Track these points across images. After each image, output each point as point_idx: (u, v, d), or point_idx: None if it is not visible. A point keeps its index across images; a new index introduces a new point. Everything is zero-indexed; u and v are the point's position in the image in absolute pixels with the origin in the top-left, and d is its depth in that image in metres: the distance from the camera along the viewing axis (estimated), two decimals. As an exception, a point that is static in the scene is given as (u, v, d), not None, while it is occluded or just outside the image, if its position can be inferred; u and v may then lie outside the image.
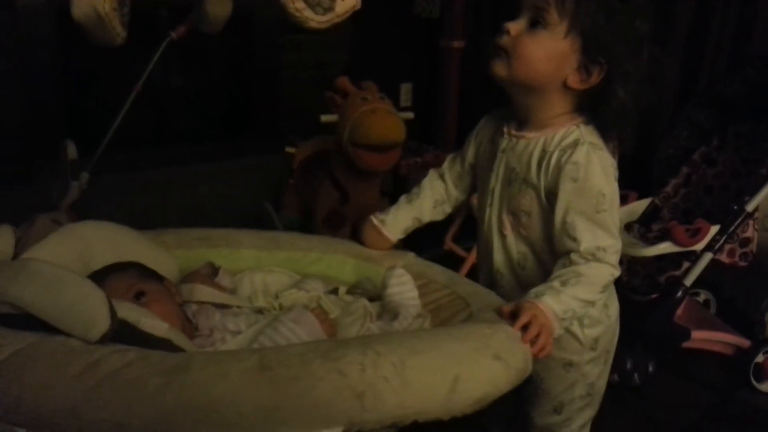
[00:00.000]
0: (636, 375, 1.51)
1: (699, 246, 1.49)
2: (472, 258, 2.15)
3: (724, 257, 1.51)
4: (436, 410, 0.75)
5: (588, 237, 0.91)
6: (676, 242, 1.47)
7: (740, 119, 1.63)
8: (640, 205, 1.72)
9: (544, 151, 0.96)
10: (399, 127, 1.90)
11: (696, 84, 2.07)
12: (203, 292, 0.96)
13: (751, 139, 1.63)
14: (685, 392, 1.58)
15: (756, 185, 1.47)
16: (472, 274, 1.27)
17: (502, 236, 1.04)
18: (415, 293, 1.04)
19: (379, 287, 1.14)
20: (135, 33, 1.82)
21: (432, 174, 1.18)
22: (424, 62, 3.30)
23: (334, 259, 1.18)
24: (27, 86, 2.29)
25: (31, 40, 2.25)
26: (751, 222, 1.51)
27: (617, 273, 0.94)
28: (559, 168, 0.93)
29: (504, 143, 1.02)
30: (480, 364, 0.80)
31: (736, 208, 1.48)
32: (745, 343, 1.60)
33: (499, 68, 0.95)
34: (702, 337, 1.57)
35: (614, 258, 0.93)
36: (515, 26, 0.94)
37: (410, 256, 1.17)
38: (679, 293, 1.50)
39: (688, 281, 1.50)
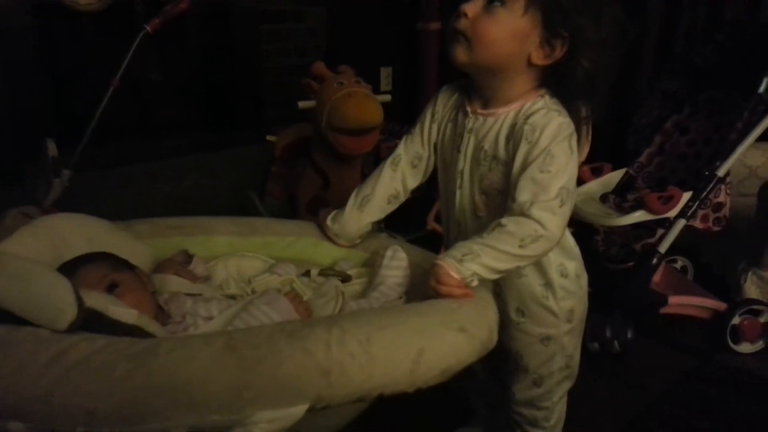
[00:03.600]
0: (615, 342, 1.54)
1: (672, 213, 1.51)
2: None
3: (697, 223, 1.53)
4: (401, 383, 0.77)
5: (524, 194, 0.89)
6: (649, 210, 1.49)
7: (712, 87, 1.64)
8: (615, 176, 1.74)
9: (512, 126, 0.95)
10: (376, 109, 1.91)
11: (670, 55, 2.08)
12: (175, 282, 0.98)
13: (723, 106, 1.65)
14: (664, 357, 1.61)
15: (726, 150, 1.49)
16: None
17: (477, 218, 1.02)
18: (403, 278, 1.04)
19: (359, 266, 1.16)
20: (114, 27, 1.81)
21: (386, 166, 1.12)
22: (403, 46, 3.30)
23: (308, 242, 1.19)
24: (9, 85, 2.28)
25: (8, 37, 2.24)
26: (723, 187, 1.53)
27: (546, 233, 0.88)
28: (520, 132, 0.92)
29: (470, 123, 1.00)
30: (444, 337, 0.81)
31: (707, 173, 1.50)
32: (721, 306, 1.62)
33: (460, 53, 0.94)
34: (679, 302, 1.59)
35: (545, 217, 0.87)
36: (471, 7, 0.92)
37: (383, 237, 1.18)
38: (654, 260, 1.52)
39: (663, 248, 1.53)
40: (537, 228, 0.88)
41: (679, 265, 1.88)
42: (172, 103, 2.95)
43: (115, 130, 2.42)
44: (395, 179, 1.12)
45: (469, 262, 0.88)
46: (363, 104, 1.88)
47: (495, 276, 0.91)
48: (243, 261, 1.12)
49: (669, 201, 1.49)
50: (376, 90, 3.27)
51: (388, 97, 2.07)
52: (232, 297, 1.01)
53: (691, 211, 1.50)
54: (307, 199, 2.07)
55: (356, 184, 2.12)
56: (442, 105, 1.08)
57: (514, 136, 0.94)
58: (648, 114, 1.74)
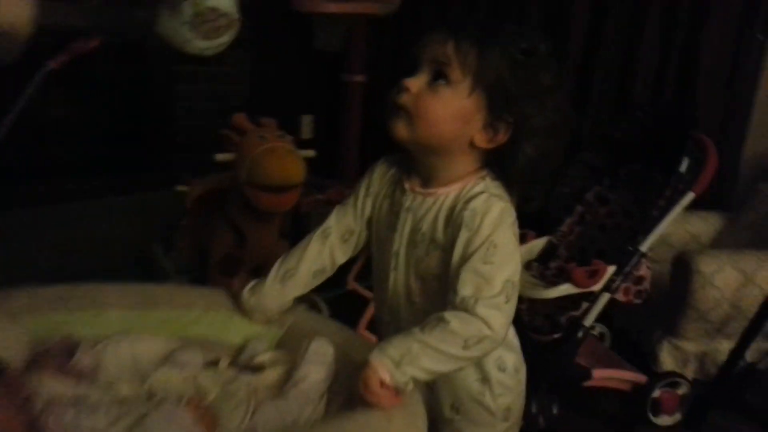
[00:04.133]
0: (541, 419, 1.50)
1: (597, 287, 1.51)
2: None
3: (620, 296, 1.54)
4: None
5: (467, 288, 0.82)
6: (575, 284, 1.48)
7: (631, 161, 1.68)
8: (537, 244, 1.74)
9: (451, 209, 0.89)
10: (299, 166, 1.83)
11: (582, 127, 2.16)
12: (53, 384, 0.83)
13: (642, 180, 1.69)
14: (588, 431, 1.59)
15: (649, 226, 1.52)
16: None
17: (411, 303, 0.95)
18: (327, 374, 0.94)
19: (273, 347, 1.05)
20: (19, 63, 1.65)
21: (314, 239, 1.03)
22: (325, 95, 3.26)
23: (218, 317, 1.07)
24: None
25: None
26: (644, 261, 1.55)
27: (492, 334, 0.81)
28: (460, 218, 0.87)
29: (408, 201, 0.93)
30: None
31: (630, 248, 1.52)
32: (642, 378, 1.63)
33: (400, 129, 0.89)
34: (602, 376, 1.59)
35: (491, 315, 0.81)
36: (415, 83, 0.87)
37: (301, 311, 1.08)
38: (580, 334, 1.51)
39: (588, 321, 1.52)
40: (482, 327, 0.81)
41: (596, 331, 1.89)
42: (72, 142, 2.73)
43: (6, 170, 2.20)
44: (323, 253, 1.03)
45: (407, 365, 0.80)
46: (285, 160, 1.80)
47: (431, 378, 0.86)
48: (138, 345, 0.96)
49: (594, 275, 1.49)
50: (297, 138, 3.24)
51: (311, 152, 1.99)
52: (124, 401, 0.86)
53: (615, 285, 1.51)
54: (220, 257, 1.94)
55: (274, 243, 2.05)
56: (379, 178, 1.01)
57: (453, 221, 0.88)
58: (570, 184, 1.76)
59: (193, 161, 2.54)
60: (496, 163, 0.91)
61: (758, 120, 2.45)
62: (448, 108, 0.86)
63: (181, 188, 2.17)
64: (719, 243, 2.11)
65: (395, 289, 0.96)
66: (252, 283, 1.05)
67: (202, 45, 1.89)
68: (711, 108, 2.41)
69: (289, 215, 1.98)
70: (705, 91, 2.40)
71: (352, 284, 2.18)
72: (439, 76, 0.87)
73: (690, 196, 1.52)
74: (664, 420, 1.61)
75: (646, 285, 1.57)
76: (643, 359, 1.86)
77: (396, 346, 0.82)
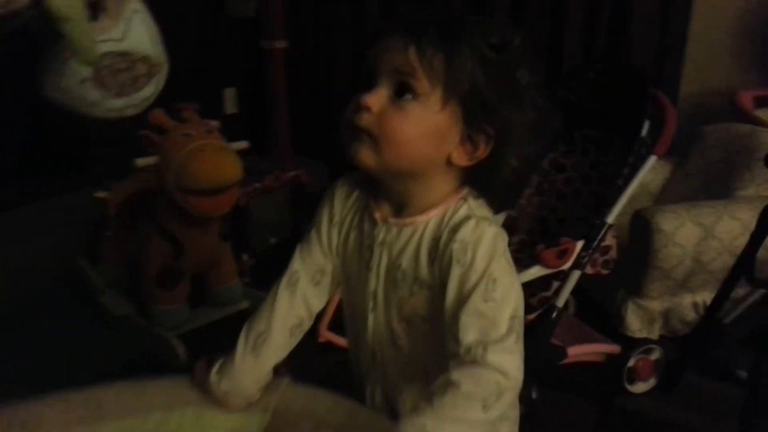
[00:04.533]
0: (521, 405, 1.44)
1: (567, 265, 1.44)
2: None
3: (588, 269, 1.49)
4: None
5: (470, 334, 0.70)
6: (545, 265, 1.42)
7: (586, 125, 1.60)
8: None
9: (435, 240, 0.77)
10: (234, 164, 1.66)
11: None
12: None
13: (598, 144, 1.62)
14: (570, 409, 1.56)
15: (614, 196, 1.45)
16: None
17: (397, 348, 0.83)
18: None
19: None
20: None
21: (280, 290, 0.87)
22: (246, 65, 3.03)
23: (184, 416, 0.86)
24: None
25: None
26: (610, 230, 1.49)
27: (510, 383, 0.70)
28: (448, 251, 0.75)
29: (381, 234, 0.81)
30: None
31: (598, 222, 1.45)
32: (615, 349, 1.61)
33: (365, 156, 0.74)
34: (577, 353, 1.55)
35: (503, 360, 0.69)
36: (376, 100, 0.73)
37: (286, 385, 0.89)
38: (554, 315, 1.45)
39: (560, 302, 1.46)
40: (498, 379, 0.69)
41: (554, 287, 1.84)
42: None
43: None
44: (296, 304, 0.87)
45: None
46: (218, 160, 1.62)
47: None
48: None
49: (564, 254, 1.42)
50: (221, 113, 3.01)
51: (244, 144, 1.81)
52: None
53: (585, 261, 1.45)
54: (156, 270, 1.76)
55: (215, 247, 1.86)
56: (341, 205, 0.87)
57: (440, 256, 0.76)
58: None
59: (111, 155, 2.29)
60: (476, 178, 0.79)
61: (691, 58, 2.42)
62: (419, 126, 0.73)
63: (100, 195, 1.95)
64: (669, 191, 2.09)
65: (376, 333, 0.84)
66: (218, 363, 0.86)
67: (117, 104, 1.48)
68: (645, 49, 2.36)
69: (228, 215, 1.82)
70: (638, 32, 2.35)
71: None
72: (403, 89, 0.73)
73: (652, 159, 1.46)
74: (639, 387, 1.60)
75: (612, 254, 1.52)
76: (608, 321, 1.84)
77: (407, 424, 0.69)
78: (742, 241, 1.68)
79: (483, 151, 0.76)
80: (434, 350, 0.79)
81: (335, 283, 0.89)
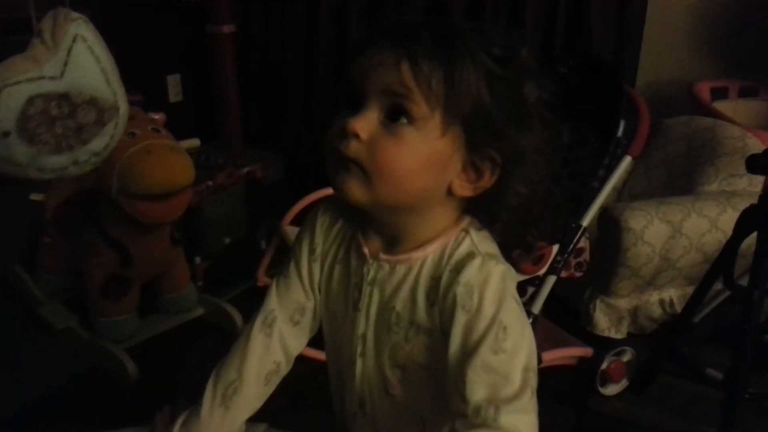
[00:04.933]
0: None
1: (542, 270, 1.39)
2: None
3: (562, 273, 1.44)
4: None
5: (479, 391, 0.62)
6: (521, 272, 1.36)
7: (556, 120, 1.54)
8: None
9: (433, 280, 0.68)
10: (185, 166, 1.53)
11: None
12: None
13: (569, 141, 1.56)
14: (547, 414, 1.51)
15: (589, 198, 1.41)
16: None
17: (390, 396, 0.75)
18: None
19: None
20: None
21: (254, 331, 0.76)
22: (191, 50, 2.85)
23: None
24: None
25: None
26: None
27: None
28: (451, 295, 0.66)
29: (371, 271, 0.71)
30: None
31: (573, 225, 1.41)
32: (588, 352, 1.58)
33: (354, 190, 0.64)
34: (551, 357, 1.52)
35: (517, 421, 0.61)
36: (365, 125, 0.63)
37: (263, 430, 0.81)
38: (530, 322, 1.40)
39: (536, 308, 1.42)
40: None
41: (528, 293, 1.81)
42: None
43: None
44: (272, 348, 0.77)
45: None
46: (167, 161, 1.49)
47: None
48: None
49: (540, 260, 1.37)
50: (165, 101, 2.84)
51: (196, 142, 1.69)
52: None
53: (560, 266, 1.40)
54: (102, 279, 1.63)
55: (166, 255, 1.73)
56: (323, 236, 0.77)
57: (441, 299, 0.67)
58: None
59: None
60: (479, 207, 0.69)
61: (647, 48, 2.41)
62: (417, 155, 0.63)
63: (36, 197, 1.80)
64: (632, 185, 2.08)
65: (365, 379, 0.75)
66: (182, 416, 0.76)
67: (54, 163, 1.14)
68: (604, 38, 2.34)
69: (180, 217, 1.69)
70: (597, 20, 2.32)
71: (264, 279, 1.95)
72: (397, 112, 0.63)
73: (627, 160, 1.42)
74: (611, 389, 1.58)
75: (585, 256, 1.49)
76: (575, 318, 1.81)
77: None
78: (709, 238, 1.69)
79: (488, 180, 0.66)
80: (432, 398, 0.71)
81: (316, 321, 0.80)
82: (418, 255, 0.69)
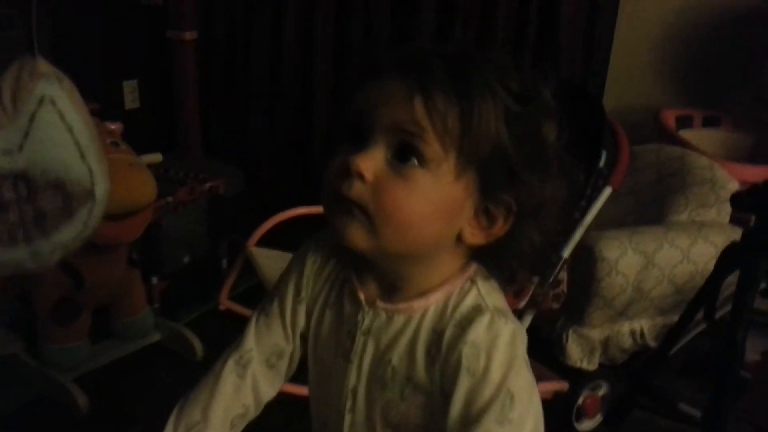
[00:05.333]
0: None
1: (522, 304, 1.36)
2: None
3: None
4: None
5: None
6: (501, 305, 1.32)
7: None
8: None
9: (435, 334, 0.62)
10: (146, 183, 1.44)
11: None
12: None
13: (547, 159, 1.54)
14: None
15: (570, 229, 1.38)
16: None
17: None
18: None
19: None
20: None
21: (225, 370, 0.70)
22: (150, 56, 2.74)
23: None
24: None
25: None
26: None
27: None
28: (456, 354, 0.60)
29: (366, 320, 0.65)
30: None
31: (554, 257, 1.37)
32: (563, 386, 1.55)
33: (356, 237, 0.58)
34: (527, 391, 1.47)
35: None
36: (370, 164, 0.57)
37: None
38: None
39: (515, 342, 1.37)
40: None
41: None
42: None
43: None
44: (243, 390, 0.71)
45: None
46: (127, 179, 1.39)
47: None
48: None
49: (520, 293, 1.34)
50: (121, 107, 2.70)
51: (158, 157, 1.59)
52: None
53: (540, 299, 1.37)
54: (50, 304, 1.51)
55: (122, 278, 1.62)
56: (313, 278, 0.71)
57: (442, 355, 0.61)
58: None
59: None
60: (487, 254, 0.64)
61: (613, 75, 2.43)
62: (428, 201, 0.58)
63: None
64: (601, 212, 2.07)
65: None
66: None
67: (9, 256, 0.95)
68: (571, 59, 2.35)
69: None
70: (566, 43, 2.32)
71: (226, 303, 1.85)
72: (406, 151, 0.57)
73: (607, 191, 1.40)
74: (586, 425, 1.55)
75: (563, 287, 1.47)
76: (545, 347, 1.79)
77: None
78: (681, 269, 1.69)
79: (501, 228, 0.61)
80: None
81: (292, 368, 0.74)
82: (419, 304, 0.63)
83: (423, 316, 0.63)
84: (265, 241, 1.90)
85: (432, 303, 0.63)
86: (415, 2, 2.38)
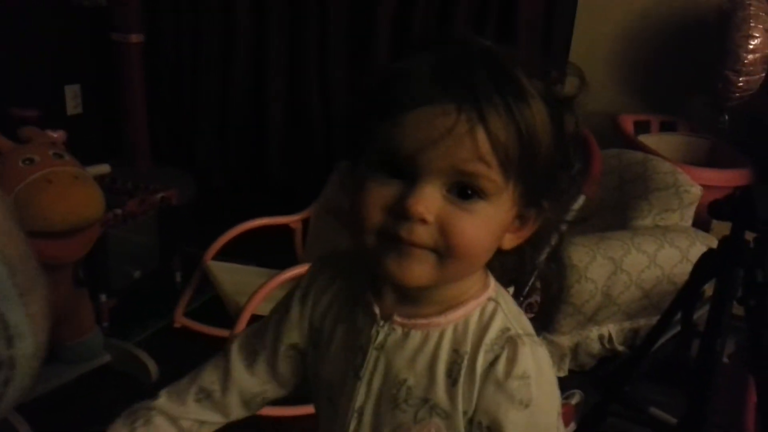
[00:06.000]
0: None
1: (497, 315, 1.31)
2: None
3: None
4: None
5: None
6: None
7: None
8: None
9: (455, 352, 0.57)
10: (93, 198, 1.33)
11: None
12: None
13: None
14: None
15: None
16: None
17: None
18: None
19: None
20: None
21: (189, 397, 0.66)
22: (94, 59, 2.59)
23: None
24: None
25: None
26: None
27: None
28: (492, 382, 0.56)
29: (380, 334, 0.60)
30: None
31: (530, 267, 1.33)
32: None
33: (420, 276, 0.54)
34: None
35: None
36: (431, 206, 0.51)
37: None
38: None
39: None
40: None
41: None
42: None
43: None
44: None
45: None
46: (72, 193, 1.29)
47: None
48: None
49: (496, 304, 1.29)
50: (63, 113, 2.55)
51: (105, 168, 1.48)
52: None
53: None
54: (-12, 328, 1.37)
55: (67, 299, 1.49)
56: (325, 286, 0.65)
57: (471, 380, 0.56)
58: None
59: None
60: (512, 264, 0.60)
61: (572, 80, 2.44)
62: (493, 230, 0.54)
63: None
64: (566, 216, 2.07)
65: None
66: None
67: None
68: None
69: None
70: (524, 46, 2.32)
71: (181, 320, 1.75)
72: (467, 188, 0.52)
73: (582, 199, 1.37)
74: (561, 434, 1.52)
75: (536, 297, 1.43)
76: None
77: None
78: (648, 274, 1.69)
79: (530, 229, 0.57)
80: None
81: (283, 387, 0.69)
82: (438, 321, 0.58)
83: (442, 334, 0.58)
84: (222, 253, 1.81)
85: (451, 321, 0.58)
86: (370, 7, 2.33)
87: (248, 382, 0.67)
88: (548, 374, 0.57)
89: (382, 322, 0.60)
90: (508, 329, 0.57)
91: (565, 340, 1.71)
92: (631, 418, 1.53)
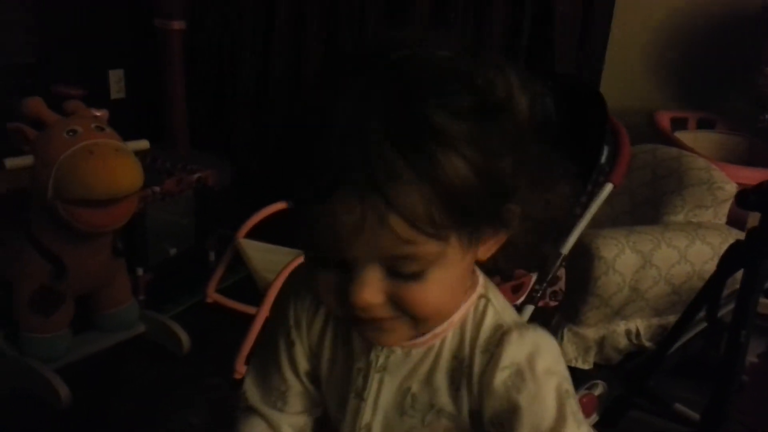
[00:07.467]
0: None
1: (520, 300, 1.32)
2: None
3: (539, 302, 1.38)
4: None
5: None
6: (500, 301, 1.28)
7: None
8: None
9: (456, 359, 0.59)
10: (132, 169, 1.39)
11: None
12: None
13: (540, 162, 1.51)
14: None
15: (570, 225, 1.35)
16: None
17: None
18: None
19: None
20: None
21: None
22: (136, 45, 2.67)
23: None
24: None
25: None
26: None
27: None
28: (491, 381, 0.56)
29: (381, 358, 0.60)
30: None
31: (553, 253, 1.34)
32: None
33: (395, 339, 0.56)
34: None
35: None
36: (375, 291, 0.50)
37: None
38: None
39: (512, 339, 1.34)
40: None
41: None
42: None
43: None
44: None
45: None
46: (112, 164, 1.34)
47: None
48: None
49: (519, 289, 1.30)
50: (106, 97, 2.64)
51: (144, 144, 1.53)
52: None
53: (538, 296, 1.33)
54: (31, 291, 1.45)
55: (106, 267, 1.54)
56: (314, 309, 0.64)
57: (474, 384, 0.58)
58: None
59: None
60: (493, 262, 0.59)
61: (608, 76, 2.42)
62: (449, 284, 0.53)
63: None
64: (597, 211, 2.05)
65: None
66: None
67: None
68: (566, 60, 2.33)
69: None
70: (561, 40, 2.30)
71: (213, 296, 1.80)
72: (404, 267, 0.50)
73: (609, 188, 1.37)
74: (582, 424, 1.51)
75: (561, 285, 1.43)
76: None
77: None
78: (678, 269, 1.67)
79: (503, 235, 0.56)
80: None
81: (310, 403, 0.70)
82: (437, 332, 0.59)
83: (442, 343, 0.59)
84: (254, 234, 1.85)
85: (450, 329, 0.59)
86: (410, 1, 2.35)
87: (294, 419, 0.68)
88: (545, 349, 0.57)
89: (380, 347, 0.60)
90: (500, 326, 0.58)
91: (591, 333, 1.70)
92: (656, 413, 1.52)
